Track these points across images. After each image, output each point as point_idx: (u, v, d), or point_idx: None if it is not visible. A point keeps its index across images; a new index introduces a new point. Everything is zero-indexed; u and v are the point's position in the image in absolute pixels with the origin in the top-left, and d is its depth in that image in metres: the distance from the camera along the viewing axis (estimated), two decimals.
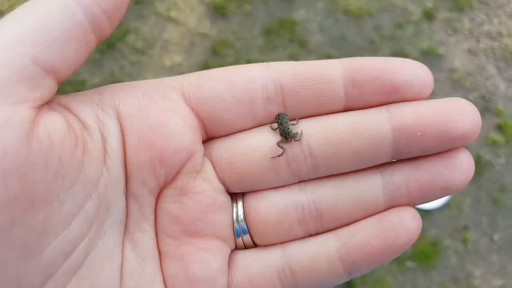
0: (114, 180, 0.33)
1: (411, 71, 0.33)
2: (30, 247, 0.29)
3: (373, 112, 0.34)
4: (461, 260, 1.59)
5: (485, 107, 1.83)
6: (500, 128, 1.78)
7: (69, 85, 1.81)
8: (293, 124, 0.35)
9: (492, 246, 1.61)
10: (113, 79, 1.87)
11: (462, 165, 0.33)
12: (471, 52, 1.94)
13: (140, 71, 1.90)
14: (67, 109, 0.32)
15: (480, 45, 1.96)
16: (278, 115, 0.35)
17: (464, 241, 1.61)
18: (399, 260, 1.59)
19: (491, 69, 1.91)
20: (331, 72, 0.34)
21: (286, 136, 0.35)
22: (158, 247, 0.36)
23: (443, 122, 0.32)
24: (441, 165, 0.34)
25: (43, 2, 0.29)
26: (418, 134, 0.33)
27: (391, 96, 0.34)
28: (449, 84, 1.86)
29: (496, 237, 1.62)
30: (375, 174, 0.35)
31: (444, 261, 1.59)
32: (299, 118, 0.36)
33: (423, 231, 1.61)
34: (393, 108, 0.34)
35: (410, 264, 1.59)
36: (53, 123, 0.30)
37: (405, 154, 0.34)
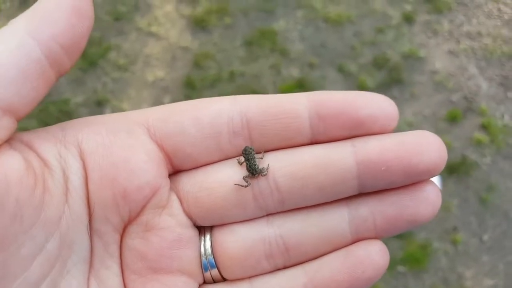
0: (76, 218, 0.33)
1: (375, 105, 0.34)
2: None
3: (338, 146, 0.34)
4: (452, 262, 1.58)
5: (468, 107, 1.83)
6: (484, 127, 1.78)
7: (52, 105, 1.81)
8: (260, 158, 0.36)
9: (482, 247, 1.60)
10: (96, 97, 1.87)
11: (429, 198, 0.34)
12: (451, 53, 1.95)
13: (123, 88, 1.90)
14: (29, 146, 0.32)
15: (460, 46, 1.97)
16: (245, 149, 0.36)
17: (454, 242, 1.61)
18: (390, 265, 1.58)
19: (473, 69, 1.92)
20: (297, 106, 0.34)
21: (253, 172, 0.35)
22: (124, 283, 0.35)
23: (408, 156, 0.32)
24: (407, 198, 0.34)
25: (3, 38, 0.29)
26: (383, 168, 0.33)
27: (356, 130, 0.34)
28: (431, 86, 1.87)
29: (485, 237, 1.62)
30: (342, 207, 0.35)
31: (434, 264, 1.58)
32: (265, 151, 0.36)
33: (412, 234, 1.61)
34: (358, 142, 0.34)
35: (401, 268, 1.58)
36: (10, 163, 0.29)
37: (370, 187, 0.34)
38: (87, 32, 0.31)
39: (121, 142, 0.34)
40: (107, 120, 0.35)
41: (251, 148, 0.36)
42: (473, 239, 1.61)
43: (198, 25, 2.01)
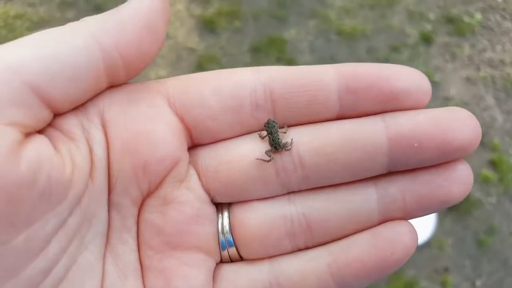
0: (98, 190, 0.32)
1: (409, 78, 0.32)
2: (9, 268, 0.28)
3: (368, 121, 0.33)
4: None
5: (480, 141, 1.71)
6: (493, 164, 1.67)
7: None
8: (283, 132, 0.34)
9: None
10: None
11: (461, 178, 0.32)
12: (469, 80, 1.83)
13: None
14: (52, 125, 0.31)
15: (480, 73, 1.85)
16: (268, 122, 0.34)
17: (443, 284, 1.50)
18: None
19: (490, 100, 1.79)
20: (325, 78, 0.33)
21: (276, 146, 0.34)
22: (140, 260, 0.34)
23: (442, 132, 0.31)
24: (440, 177, 0.32)
25: (67, 34, 0.29)
26: (415, 145, 0.31)
27: (387, 105, 0.32)
28: None
29: (478, 283, 1.51)
30: (369, 186, 0.34)
31: None
32: (289, 126, 0.34)
33: (400, 270, 1.51)
34: (390, 117, 0.32)
35: None
36: (42, 144, 0.29)
37: (401, 165, 0.33)
38: (153, 52, 0.31)
39: (143, 113, 0.33)
40: (128, 89, 0.33)
41: (274, 121, 0.34)
42: (465, 283, 1.51)
43: (207, 26, 1.96)
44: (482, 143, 1.71)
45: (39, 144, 0.29)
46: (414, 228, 0.33)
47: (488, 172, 1.65)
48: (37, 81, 0.28)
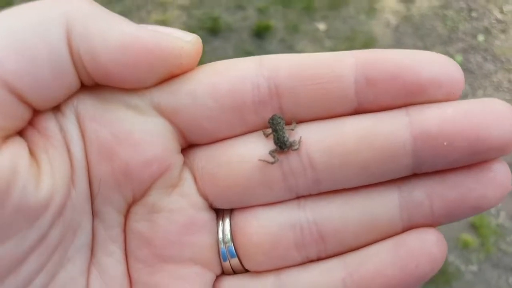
0: (81, 198, 0.29)
1: (439, 67, 0.28)
2: None
3: (389, 116, 0.29)
4: None
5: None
6: (474, 227, 1.57)
7: None
8: (291, 129, 0.31)
9: None
10: None
11: (497, 179, 0.29)
12: None
13: None
14: (30, 123, 0.29)
15: None
16: (272, 118, 0.31)
17: None
18: None
19: None
20: (340, 67, 0.29)
21: (282, 146, 0.31)
22: (129, 273, 0.32)
23: (475, 129, 0.28)
24: (471, 179, 0.29)
25: (39, 22, 0.27)
26: (444, 143, 0.28)
27: (414, 98, 0.29)
28: None
29: None
30: (391, 190, 0.31)
31: None
32: (298, 122, 0.31)
33: None
34: (414, 111, 0.29)
35: None
36: (18, 152, 0.27)
37: (427, 167, 0.29)
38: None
39: (122, 113, 0.30)
40: (105, 89, 0.30)
41: (279, 117, 0.31)
42: None
43: None
44: None
45: (15, 151, 0.26)
46: (442, 237, 0.30)
47: (468, 237, 1.55)
48: (13, 80, 0.26)
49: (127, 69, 0.28)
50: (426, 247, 0.29)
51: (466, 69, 1.83)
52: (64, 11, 0.27)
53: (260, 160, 0.30)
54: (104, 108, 0.30)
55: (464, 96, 1.77)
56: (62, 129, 0.29)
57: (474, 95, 1.79)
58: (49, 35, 0.26)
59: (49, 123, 0.29)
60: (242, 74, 0.30)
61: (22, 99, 0.26)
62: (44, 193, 0.27)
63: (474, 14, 1.94)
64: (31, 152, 0.27)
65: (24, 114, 0.27)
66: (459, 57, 1.83)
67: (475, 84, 1.81)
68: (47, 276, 0.28)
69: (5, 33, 0.26)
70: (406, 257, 0.29)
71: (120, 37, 0.27)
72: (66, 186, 0.28)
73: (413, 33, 1.88)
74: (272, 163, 0.30)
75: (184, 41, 0.28)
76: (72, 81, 0.28)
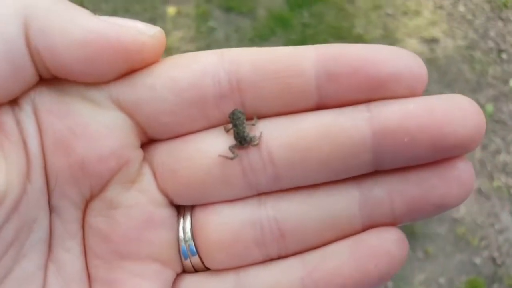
0: (37, 193, 0.29)
1: (401, 62, 0.28)
2: None
3: (350, 111, 0.29)
4: None
5: (495, 275, 1.47)
6: None
7: None
8: (252, 125, 0.30)
9: None
10: None
11: (462, 177, 0.28)
12: (481, 193, 1.57)
13: None
14: None
15: (494, 184, 1.59)
16: (233, 113, 0.30)
17: None
18: None
19: (507, 218, 1.54)
20: (301, 61, 0.29)
21: (241, 141, 0.30)
22: (87, 269, 0.31)
23: (438, 124, 0.27)
24: (434, 176, 0.28)
25: None
26: (405, 139, 0.27)
27: (374, 93, 0.28)
28: (451, 241, 1.50)
29: None
30: (351, 187, 0.30)
31: None
32: (258, 118, 0.30)
33: None
34: (375, 106, 0.28)
35: None
36: None
37: (388, 164, 0.29)
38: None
39: (78, 106, 0.29)
40: (63, 82, 0.29)
41: (239, 112, 0.30)
42: None
43: None
44: (499, 278, 1.46)
45: None
46: (403, 236, 0.29)
47: None
48: None
49: (88, 65, 0.28)
50: (385, 246, 0.29)
51: (499, 120, 1.68)
52: (23, 5, 0.26)
53: (219, 156, 0.30)
54: (61, 101, 0.29)
55: (496, 152, 1.62)
56: (19, 123, 0.28)
57: (508, 151, 1.64)
58: (6, 31, 0.26)
59: (5, 117, 0.28)
60: (203, 68, 0.29)
61: None
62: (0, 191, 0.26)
63: (504, 56, 1.79)
64: None
65: None
66: (490, 107, 1.68)
67: (508, 138, 1.65)
68: (3, 270, 0.28)
69: None
70: (365, 256, 0.29)
71: (82, 33, 0.27)
72: (22, 181, 0.28)
73: (438, 78, 1.72)
74: (232, 158, 0.30)
75: (147, 35, 0.28)
76: (30, 75, 0.28)
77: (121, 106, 0.30)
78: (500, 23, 1.86)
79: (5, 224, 0.27)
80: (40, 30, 0.26)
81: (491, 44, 1.82)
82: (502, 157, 1.63)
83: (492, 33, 1.84)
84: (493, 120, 1.68)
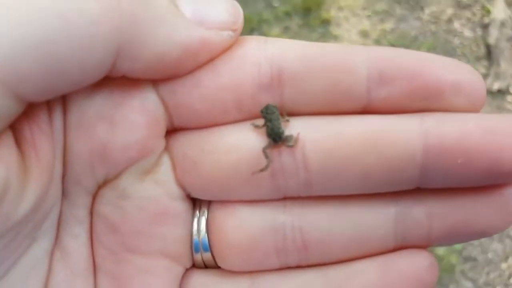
0: (58, 176, 0.27)
1: (462, 72, 0.26)
2: None
3: (401, 120, 0.26)
4: None
5: None
6: None
7: None
8: (286, 120, 0.28)
9: None
10: None
11: (508, 206, 0.27)
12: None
13: None
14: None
15: None
16: (266, 108, 0.28)
17: None
18: None
19: None
20: (353, 59, 0.27)
21: (276, 138, 0.27)
22: (93, 259, 0.29)
23: (497, 148, 0.25)
24: (480, 202, 0.27)
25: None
26: (459, 161, 0.25)
27: (430, 102, 0.26)
28: None
29: None
30: (388, 204, 0.28)
31: None
32: (297, 115, 0.28)
33: None
34: (431, 119, 0.26)
35: None
36: (8, 155, 0.24)
37: (435, 183, 0.27)
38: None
39: (109, 84, 0.26)
40: None
41: (274, 106, 0.28)
42: None
43: None
44: None
45: (6, 158, 0.24)
46: (435, 262, 0.28)
47: None
48: (6, 76, 0.22)
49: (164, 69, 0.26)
50: (417, 272, 0.27)
51: (468, 258, 1.73)
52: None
53: (253, 173, 0.28)
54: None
55: None
56: (49, 108, 0.26)
57: None
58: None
59: (40, 110, 0.26)
60: (243, 53, 0.27)
61: (14, 93, 0.23)
62: (30, 201, 0.25)
63: None
64: (18, 143, 0.25)
65: (18, 108, 0.24)
66: None
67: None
68: (14, 257, 0.26)
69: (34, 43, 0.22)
70: (394, 280, 0.27)
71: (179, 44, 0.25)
72: (50, 166, 0.26)
73: None
74: (263, 169, 0.27)
75: (230, 36, 0.27)
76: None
77: (157, 88, 0.27)
78: None
79: (34, 214, 0.26)
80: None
81: None
82: None
83: None
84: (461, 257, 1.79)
